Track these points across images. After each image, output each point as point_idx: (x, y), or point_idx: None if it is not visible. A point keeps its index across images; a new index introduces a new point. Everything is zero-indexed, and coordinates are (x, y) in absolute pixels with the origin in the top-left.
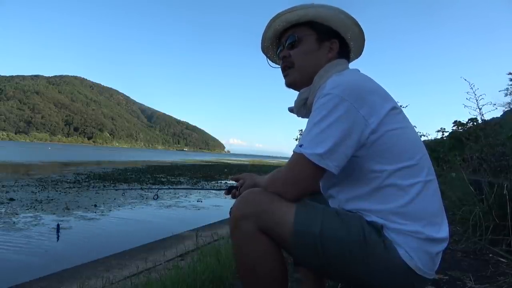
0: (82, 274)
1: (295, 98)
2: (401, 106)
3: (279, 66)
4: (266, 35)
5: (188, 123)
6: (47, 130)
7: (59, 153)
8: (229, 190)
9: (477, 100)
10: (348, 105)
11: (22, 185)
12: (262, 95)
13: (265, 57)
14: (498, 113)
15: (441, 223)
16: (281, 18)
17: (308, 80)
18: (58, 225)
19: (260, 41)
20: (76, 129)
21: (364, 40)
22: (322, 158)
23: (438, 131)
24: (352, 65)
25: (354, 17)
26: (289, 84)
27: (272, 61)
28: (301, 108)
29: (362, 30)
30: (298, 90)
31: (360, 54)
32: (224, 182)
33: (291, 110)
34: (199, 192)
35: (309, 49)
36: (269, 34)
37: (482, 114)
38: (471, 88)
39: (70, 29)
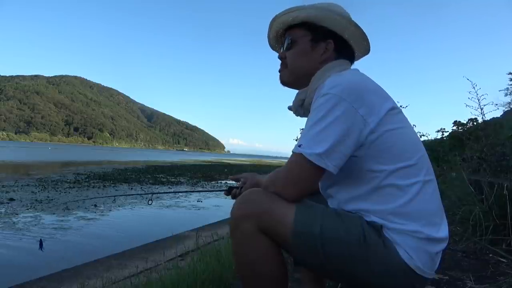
0: (82, 274)
1: (293, 98)
2: (401, 106)
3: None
4: (269, 36)
5: (188, 123)
6: (47, 130)
7: (59, 153)
8: (229, 191)
9: (479, 100)
10: (347, 105)
11: (22, 185)
12: (263, 95)
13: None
14: (498, 113)
15: (441, 223)
16: (277, 20)
17: (301, 81)
18: (40, 240)
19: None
20: (76, 129)
21: (365, 38)
22: (321, 158)
23: (438, 131)
24: (354, 64)
25: (355, 17)
26: (282, 83)
27: None
28: (298, 109)
29: (360, 28)
30: (292, 89)
31: (367, 52)
32: (224, 182)
33: (290, 108)
34: (199, 192)
35: (302, 51)
36: (271, 35)
37: (484, 114)
38: (473, 87)
39: (70, 29)
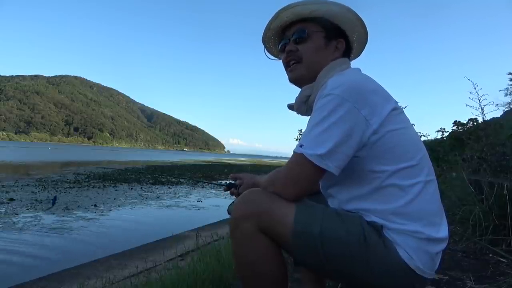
0: (82, 274)
1: (296, 95)
2: (400, 106)
3: (277, 59)
4: (271, 25)
5: (188, 123)
6: (47, 130)
7: (59, 153)
8: (228, 187)
9: (479, 100)
10: (350, 105)
11: (22, 185)
12: (263, 95)
13: (264, 47)
14: (498, 113)
15: (441, 223)
16: (291, 10)
17: (313, 78)
18: (55, 197)
19: (263, 31)
20: (76, 129)
21: (366, 42)
22: (323, 159)
23: (438, 131)
24: (354, 64)
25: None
26: (294, 80)
27: (270, 53)
28: (301, 105)
29: (367, 33)
30: (301, 87)
31: (359, 55)
32: (224, 182)
33: (290, 107)
34: (199, 192)
35: (318, 46)
36: (274, 24)
37: (484, 114)
38: (474, 88)
39: (70, 29)
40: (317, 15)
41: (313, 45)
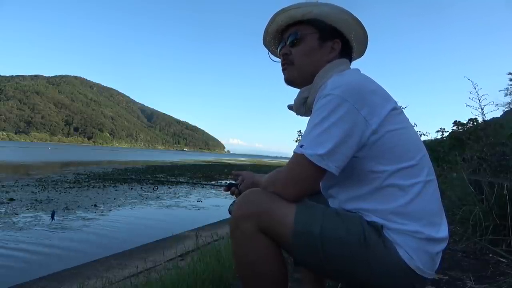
0: (82, 274)
1: (295, 96)
2: (400, 106)
3: (280, 61)
4: (268, 29)
5: (188, 123)
6: (47, 130)
7: (59, 153)
8: (228, 187)
9: (479, 100)
10: (349, 106)
11: (22, 185)
12: (263, 95)
13: (267, 50)
14: (498, 113)
15: (441, 223)
16: (285, 13)
17: (307, 79)
18: (53, 211)
19: (263, 35)
20: (76, 129)
21: (367, 41)
22: (323, 159)
23: (438, 131)
24: (354, 64)
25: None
26: (287, 81)
27: (274, 55)
28: (300, 107)
29: (366, 32)
30: (296, 88)
31: (363, 54)
32: (224, 182)
33: (290, 107)
34: (199, 192)
35: (310, 48)
36: (271, 28)
37: (484, 114)
38: (474, 88)
39: (70, 29)
40: (310, 17)
41: (304, 48)
